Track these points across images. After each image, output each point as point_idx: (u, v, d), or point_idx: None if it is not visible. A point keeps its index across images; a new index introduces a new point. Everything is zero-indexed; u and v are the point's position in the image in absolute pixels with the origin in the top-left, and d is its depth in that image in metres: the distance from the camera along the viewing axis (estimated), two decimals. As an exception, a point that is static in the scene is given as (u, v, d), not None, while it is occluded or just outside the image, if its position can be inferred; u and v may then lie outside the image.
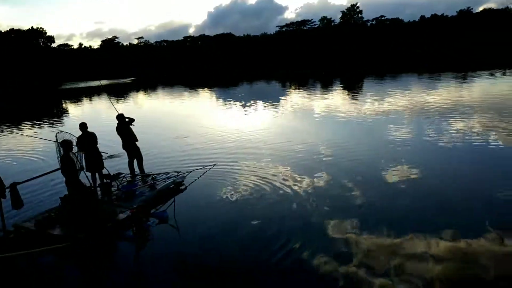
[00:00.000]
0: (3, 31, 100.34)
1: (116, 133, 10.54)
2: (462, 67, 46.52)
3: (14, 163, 13.89)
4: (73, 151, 8.05)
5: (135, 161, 10.60)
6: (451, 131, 13.88)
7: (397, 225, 6.86)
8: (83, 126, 9.37)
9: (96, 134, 9.54)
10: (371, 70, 55.43)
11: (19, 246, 6.89)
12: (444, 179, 9.11)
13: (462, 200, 7.86)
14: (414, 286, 5.11)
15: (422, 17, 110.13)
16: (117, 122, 10.45)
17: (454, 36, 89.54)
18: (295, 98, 29.81)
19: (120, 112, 10.57)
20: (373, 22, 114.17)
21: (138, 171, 10.54)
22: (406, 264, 5.64)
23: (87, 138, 9.32)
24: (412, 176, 9.40)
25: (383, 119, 17.45)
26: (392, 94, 26.46)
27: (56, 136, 8.63)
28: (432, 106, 19.75)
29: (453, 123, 15.18)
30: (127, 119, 10.48)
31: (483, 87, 26.63)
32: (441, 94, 24.44)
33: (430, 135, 13.58)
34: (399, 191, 8.55)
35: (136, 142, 10.51)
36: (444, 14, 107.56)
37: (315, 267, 5.74)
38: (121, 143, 10.52)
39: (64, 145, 7.71)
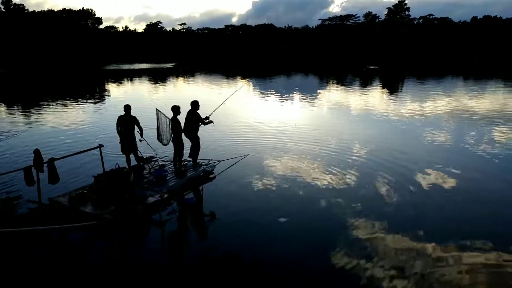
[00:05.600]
0: (55, 10, 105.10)
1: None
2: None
3: (60, 137, 14.41)
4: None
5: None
6: (493, 140, 13.27)
7: (425, 230, 6.70)
8: (127, 108, 9.56)
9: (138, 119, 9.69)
10: (414, 70, 53.23)
11: (53, 219, 7.15)
12: (479, 189, 8.81)
13: (497, 211, 7.56)
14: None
15: (474, 18, 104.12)
16: (191, 107, 9.89)
17: (508, 39, 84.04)
18: (332, 94, 29.17)
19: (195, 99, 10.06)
20: (420, 21, 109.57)
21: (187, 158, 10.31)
22: (429, 271, 5.49)
23: (127, 119, 9.53)
24: (446, 183, 9.09)
25: (421, 122, 16.87)
26: (433, 96, 25.33)
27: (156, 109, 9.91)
28: (474, 112, 18.83)
29: (496, 131, 14.46)
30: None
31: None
32: (486, 100, 23.07)
33: (470, 142, 13.02)
34: (431, 196, 8.32)
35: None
36: (498, 16, 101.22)
37: (339, 267, 5.61)
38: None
39: (175, 109, 9.51)
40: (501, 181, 9.27)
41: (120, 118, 9.55)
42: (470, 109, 19.80)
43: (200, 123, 9.98)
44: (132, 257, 6.22)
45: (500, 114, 18.29)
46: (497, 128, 15.21)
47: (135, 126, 9.60)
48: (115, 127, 9.58)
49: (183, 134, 9.79)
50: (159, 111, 9.76)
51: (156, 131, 9.86)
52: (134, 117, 9.62)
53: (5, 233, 6.46)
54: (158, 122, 9.84)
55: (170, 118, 9.59)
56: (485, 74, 44.81)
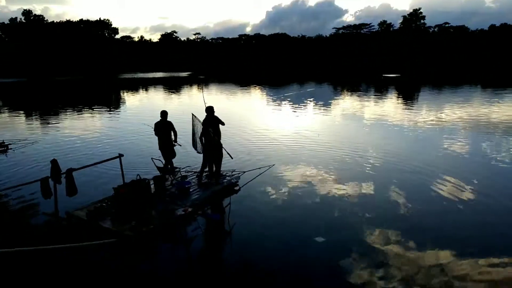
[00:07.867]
0: (73, 20, 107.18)
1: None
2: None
3: (78, 146, 14.00)
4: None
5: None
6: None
7: (440, 242, 6.33)
8: (164, 113, 9.46)
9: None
10: (429, 79, 52.13)
11: (70, 235, 6.66)
12: (496, 200, 8.17)
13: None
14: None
15: (492, 25, 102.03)
16: (206, 114, 9.13)
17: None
18: (349, 102, 28.47)
19: (210, 105, 9.25)
20: (436, 29, 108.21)
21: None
22: (443, 282, 5.18)
23: (164, 125, 9.39)
24: (463, 193, 8.52)
25: (438, 130, 16.21)
26: (450, 105, 24.53)
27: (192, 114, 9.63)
28: (492, 122, 18.02)
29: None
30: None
31: None
32: (503, 109, 22.16)
33: (487, 152, 12.36)
34: (446, 207, 7.86)
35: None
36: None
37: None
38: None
39: (209, 109, 9.04)
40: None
41: (157, 124, 9.45)
42: (488, 119, 18.96)
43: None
44: (157, 277, 5.64)
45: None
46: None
47: (171, 132, 9.49)
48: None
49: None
50: (194, 116, 9.37)
51: (191, 137, 9.66)
52: (170, 122, 9.49)
53: (16, 253, 5.97)
54: (193, 128, 9.46)
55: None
56: (503, 83, 43.52)
